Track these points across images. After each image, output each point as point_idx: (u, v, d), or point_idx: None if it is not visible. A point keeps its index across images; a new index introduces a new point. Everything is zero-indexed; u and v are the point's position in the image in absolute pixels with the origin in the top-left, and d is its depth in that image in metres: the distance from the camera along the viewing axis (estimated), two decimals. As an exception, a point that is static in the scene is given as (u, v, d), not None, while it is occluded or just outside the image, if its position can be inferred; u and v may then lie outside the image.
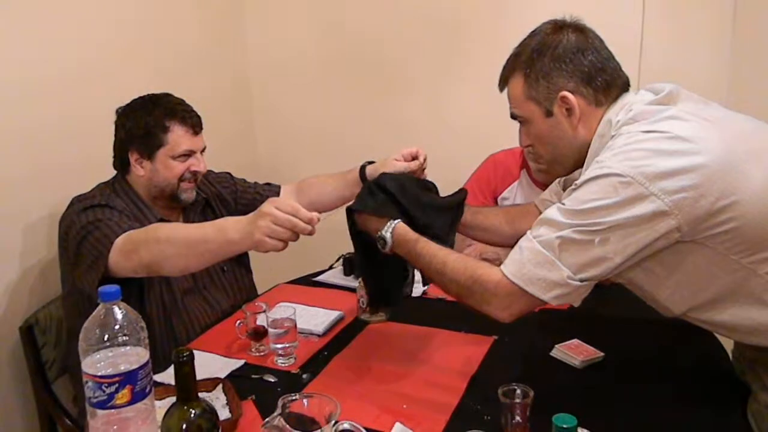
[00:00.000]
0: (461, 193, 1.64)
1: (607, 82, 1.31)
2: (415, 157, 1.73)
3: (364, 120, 3.01)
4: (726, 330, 1.31)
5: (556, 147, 1.36)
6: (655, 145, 1.16)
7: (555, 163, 1.41)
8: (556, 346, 1.57)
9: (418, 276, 1.62)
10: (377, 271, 1.54)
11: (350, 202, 1.53)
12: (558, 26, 1.33)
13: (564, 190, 1.53)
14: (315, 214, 1.34)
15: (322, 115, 3.10)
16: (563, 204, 1.22)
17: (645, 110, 1.25)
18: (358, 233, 1.50)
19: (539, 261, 1.20)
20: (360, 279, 1.60)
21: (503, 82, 1.40)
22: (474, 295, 1.29)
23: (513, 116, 1.41)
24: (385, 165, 1.76)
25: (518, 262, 1.24)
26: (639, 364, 1.51)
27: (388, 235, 1.41)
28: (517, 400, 1.20)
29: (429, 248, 1.37)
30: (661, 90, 1.28)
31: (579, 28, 1.33)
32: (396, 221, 1.42)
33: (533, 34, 1.36)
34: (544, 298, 1.21)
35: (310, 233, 1.34)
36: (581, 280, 1.20)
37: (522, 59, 1.34)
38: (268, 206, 1.34)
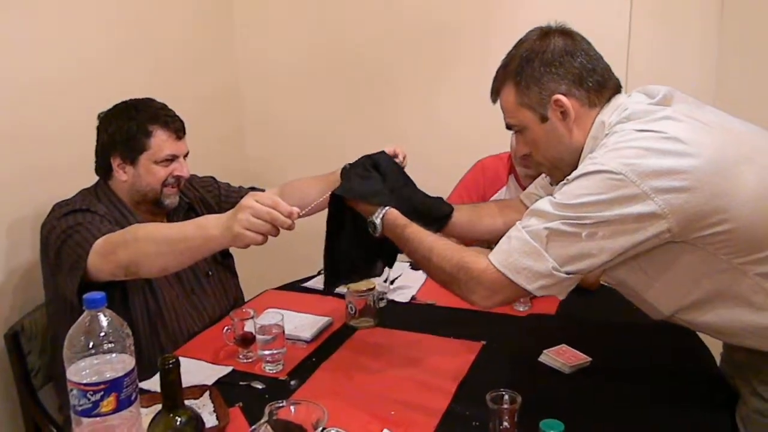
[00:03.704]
0: (444, 209, 1.64)
1: (599, 82, 1.31)
2: (394, 156, 1.73)
3: (355, 125, 3.01)
4: (714, 331, 1.32)
5: (554, 152, 1.36)
6: (649, 144, 1.17)
7: (554, 169, 1.41)
8: (544, 351, 1.57)
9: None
10: (348, 243, 1.53)
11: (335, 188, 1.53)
12: (544, 32, 1.34)
13: (551, 184, 1.54)
14: (295, 209, 1.34)
15: (312, 120, 3.10)
16: (554, 197, 1.23)
17: (640, 110, 1.26)
18: (340, 209, 1.51)
19: (526, 251, 1.21)
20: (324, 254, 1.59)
21: (495, 94, 1.40)
22: (459, 282, 1.30)
23: (508, 126, 1.41)
24: None
25: (505, 252, 1.24)
26: (626, 369, 1.51)
27: (378, 221, 1.42)
28: (505, 406, 1.20)
29: (417, 234, 1.38)
30: (655, 93, 1.29)
31: (565, 32, 1.34)
32: (386, 208, 1.43)
33: (520, 42, 1.36)
34: (529, 288, 1.22)
35: (290, 228, 1.34)
36: (567, 273, 1.20)
37: (511, 68, 1.35)
38: (248, 200, 1.34)
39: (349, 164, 1.57)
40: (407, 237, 1.39)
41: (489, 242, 1.30)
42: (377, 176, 1.53)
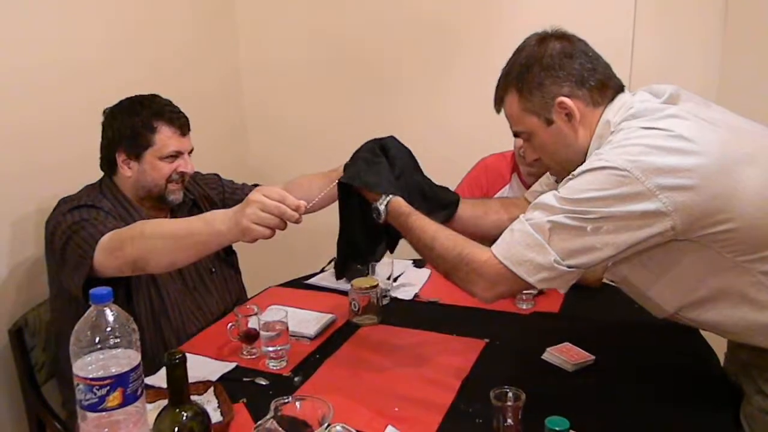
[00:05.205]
0: (451, 196, 1.64)
1: (600, 81, 1.32)
2: None
3: (357, 121, 3.01)
4: (718, 329, 1.32)
5: (562, 154, 1.37)
6: (654, 142, 1.17)
7: (564, 172, 1.40)
8: (548, 349, 1.57)
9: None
10: (354, 227, 1.54)
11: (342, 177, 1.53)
12: (541, 38, 1.35)
13: (557, 182, 1.54)
14: (302, 202, 1.35)
15: (314, 116, 3.10)
16: (559, 192, 1.23)
17: (646, 108, 1.26)
18: (345, 198, 1.52)
19: (529, 243, 1.22)
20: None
21: (498, 103, 1.41)
22: (460, 273, 1.30)
23: (516, 134, 1.42)
24: None
25: (508, 243, 1.25)
26: (629, 368, 1.51)
27: (382, 208, 1.43)
28: (509, 403, 1.20)
29: (420, 223, 1.39)
30: (661, 92, 1.29)
31: (562, 36, 1.34)
32: (390, 196, 1.44)
33: (519, 50, 1.37)
34: (530, 280, 1.22)
35: (297, 221, 1.35)
36: (569, 267, 1.20)
37: (512, 76, 1.36)
38: (256, 194, 1.34)
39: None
40: (410, 225, 1.39)
41: (494, 238, 1.30)
42: (384, 162, 1.52)
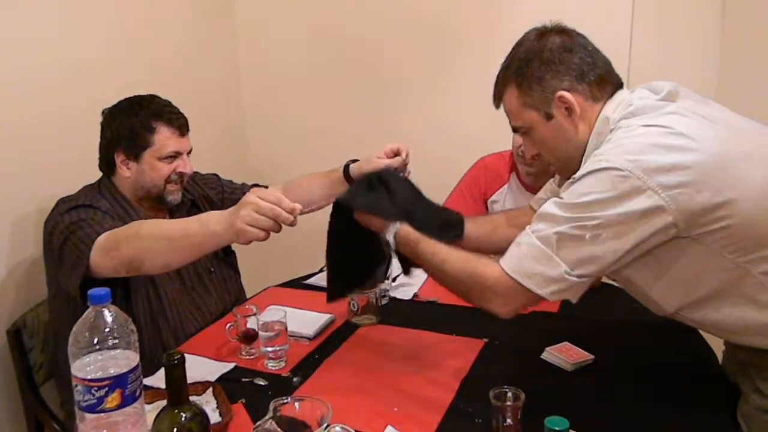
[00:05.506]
0: (455, 216, 1.64)
1: (600, 76, 1.32)
2: (397, 153, 1.75)
3: (357, 121, 3.01)
4: (718, 329, 1.32)
5: (563, 149, 1.36)
6: (654, 140, 1.18)
7: (564, 168, 1.40)
8: (547, 348, 1.57)
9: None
10: (350, 254, 1.53)
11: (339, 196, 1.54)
12: (541, 32, 1.35)
13: (560, 187, 1.54)
14: (297, 205, 1.35)
15: (314, 117, 3.10)
16: (561, 198, 1.23)
17: (645, 105, 1.26)
18: (342, 220, 1.51)
19: (536, 256, 1.21)
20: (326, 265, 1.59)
21: (498, 99, 1.40)
22: (474, 292, 1.30)
23: (515, 129, 1.42)
24: (368, 162, 1.78)
25: (516, 257, 1.25)
26: (628, 367, 1.51)
27: (390, 239, 1.43)
28: (509, 403, 1.20)
29: (430, 247, 1.38)
30: (660, 89, 1.30)
31: (562, 30, 1.34)
32: (397, 224, 1.43)
33: (518, 44, 1.37)
34: (542, 293, 1.22)
35: (292, 224, 1.35)
36: (579, 276, 1.20)
37: (512, 71, 1.35)
38: (251, 196, 1.34)
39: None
40: (420, 252, 1.39)
41: (504, 252, 1.30)
42: (383, 192, 1.52)
